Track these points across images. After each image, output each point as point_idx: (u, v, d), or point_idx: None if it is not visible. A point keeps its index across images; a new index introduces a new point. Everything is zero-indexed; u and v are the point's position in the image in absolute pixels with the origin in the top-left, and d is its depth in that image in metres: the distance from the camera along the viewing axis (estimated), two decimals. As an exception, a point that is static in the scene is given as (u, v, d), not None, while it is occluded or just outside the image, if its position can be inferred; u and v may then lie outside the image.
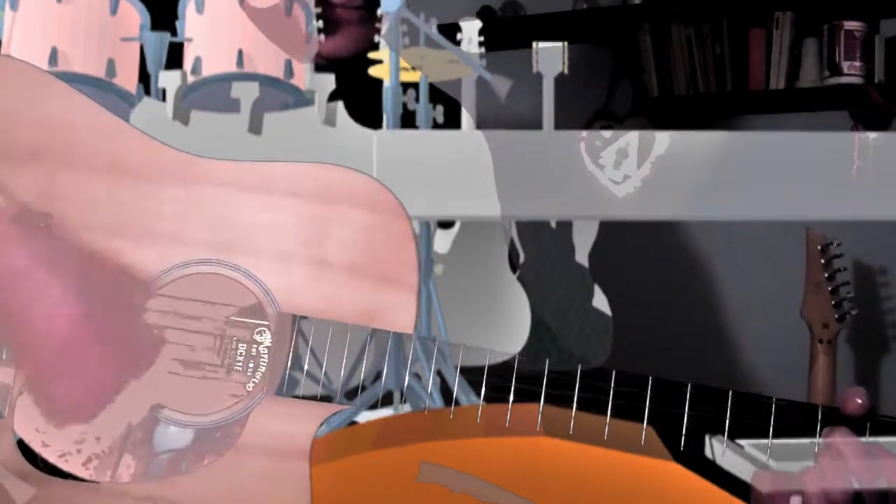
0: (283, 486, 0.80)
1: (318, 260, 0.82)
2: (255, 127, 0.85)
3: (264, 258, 0.82)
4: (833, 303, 2.08)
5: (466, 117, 0.90)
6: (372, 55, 0.88)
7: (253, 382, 0.84)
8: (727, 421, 0.81)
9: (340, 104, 0.87)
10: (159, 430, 0.83)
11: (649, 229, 2.64)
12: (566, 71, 0.90)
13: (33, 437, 0.83)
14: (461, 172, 0.86)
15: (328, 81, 0.86)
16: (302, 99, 0.87)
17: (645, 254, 2.70)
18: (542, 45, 0.90)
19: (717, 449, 0.82)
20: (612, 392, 0.80)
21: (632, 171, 0.87)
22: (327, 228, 0.81)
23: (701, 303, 2.78)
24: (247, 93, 0.84)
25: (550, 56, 0.90)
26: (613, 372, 0.81)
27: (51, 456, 0.82)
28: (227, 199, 0.82)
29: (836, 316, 2.09)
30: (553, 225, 1.07)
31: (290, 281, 0.82)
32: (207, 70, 0.86)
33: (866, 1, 2.65)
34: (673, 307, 2.73)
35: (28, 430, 0.82)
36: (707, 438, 0.82)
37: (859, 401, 0.87)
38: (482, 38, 0.92)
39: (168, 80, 0.86)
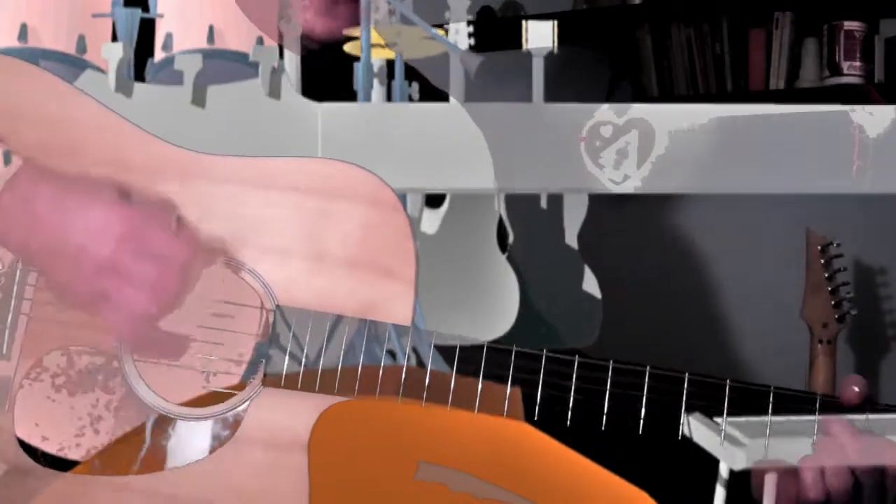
0: (282, 478, 0.81)
1: (318, 254, 0.83)
2: (199, 99, 0.85)
3: (264, 253, 0.83)
4: (833, 303, 2.08)
5: (455, 92, 0.89)
6: (346, 32, 0.88)
7: (252, 375, 0.84)
8: (725, 408, 0.81)
9: (285, 76, 0.86)
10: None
11: (649, 230, 2.63)
12: (556, 50, 0.90)
13: (32, 431, 0.83)
14: (410, 146, 0.86)
15: (272, 53, 0.85)
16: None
17: (645, 255, 2.69)
18: (531, 22, 0.90)
19: (694, 426, 0.81)
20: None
21: (632, 171, 0.87)
22: (327, 223, 0.82)
23: (701, 302, 2.77)
24: (189, 65, 0.84)
25: (540, 33, 0.90)
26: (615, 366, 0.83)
27: (50, 449, 0.83)
28: (228, 195, 0.83)
29: (836, 316, 2.09)
30: (543, 205, 1.06)
31: (289, 275, 0.83)
32: (178, 46, 0.86)
33: (866, 1, 2.64)
34: (672, 307, 2.71)
35: (27, 425, 0.83)
36: (684, 417, 0.82)
37: (856, 388, 0.86)
38: (472, 18, 0.91)
39: (110, 51, 0.85)
